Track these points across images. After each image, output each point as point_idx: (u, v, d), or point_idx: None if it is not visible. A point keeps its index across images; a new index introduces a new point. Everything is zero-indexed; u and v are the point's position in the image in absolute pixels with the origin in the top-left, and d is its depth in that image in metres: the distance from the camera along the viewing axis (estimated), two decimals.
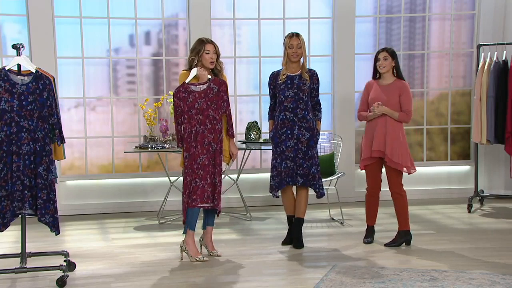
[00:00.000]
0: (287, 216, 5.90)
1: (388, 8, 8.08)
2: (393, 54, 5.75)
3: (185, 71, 5.50)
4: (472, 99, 8.09)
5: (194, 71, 5.36)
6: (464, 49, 8.20)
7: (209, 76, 5.36)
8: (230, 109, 5.42)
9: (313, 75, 5.77)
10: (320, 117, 5.84)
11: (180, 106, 5.31)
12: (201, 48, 5.47)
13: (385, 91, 5.72)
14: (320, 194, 5.76)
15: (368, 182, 5.85)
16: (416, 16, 8.09)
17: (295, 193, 5.88)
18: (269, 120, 5.90)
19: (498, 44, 7.32)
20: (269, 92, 5.87)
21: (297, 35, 5.72)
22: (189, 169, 5.29)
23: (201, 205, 5.29)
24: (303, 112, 5.68)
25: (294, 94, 5.68)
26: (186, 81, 5.34)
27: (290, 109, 5.68)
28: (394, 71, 5.77)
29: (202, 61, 5.46)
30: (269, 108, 5.90)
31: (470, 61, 8.18)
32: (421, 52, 8.08)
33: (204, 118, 5.31)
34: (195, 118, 5.30)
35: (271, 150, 5.89)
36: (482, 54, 7.35)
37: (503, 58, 7.22)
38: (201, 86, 5.33)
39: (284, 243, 5.86)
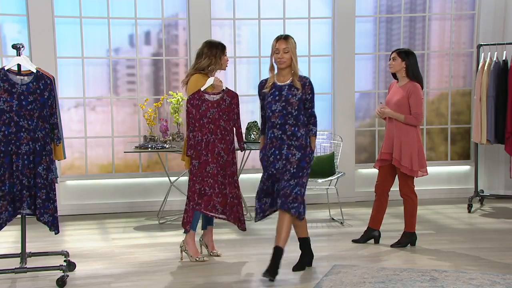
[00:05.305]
0: (298, 238, 5.21)
1: (388, 8, 8.08)
2: (403, 55, 5.60)
3: (197, 74, 5.37)
4: (472, 99, 8.09)
5: (210, 80, 5.32)
6: (464, 49, 8.20)
7: (224, 88, 5.35)
8: (240, 122, 5.41)
9: (305, 84, 4.92)
10: (315, 132, 5.01)
11: (192, 112, 5.30)
12: (222, 53, 5.43)
13: (398, 93, 5.68)
14: (300, 219, 4.92)
15: (376, 182, 5.84)
16: (416, 16, 8.09)
17: None
18: (261, 135, 5.15)
19: (498, 44, 7.32)
20: (260, 102, 5.12)
21: (286, 37, 4.96)
22: (198, 177, 5.29)
23: (205, 211, 5.30)
24: (293, 128, 4.88)
25: (282, 108, 4.89)
26: (202, 89, 5.32)
27: (277, 126, 4.90)
28: (406, 72, 5.62)
29: (222, 64, 5.44)
30: (261, 120, 5.13)
31: (470, 61, 8.18)
32: (421, 52, 8.08)
33: (216, 128, 5.31)
34: (207, 127, 5.29)
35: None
36: (482, 54, 7.35)
37: (503, 58, 7.22)
38: (214, 95, 5.32)
39: (295, 269, 5.12)
